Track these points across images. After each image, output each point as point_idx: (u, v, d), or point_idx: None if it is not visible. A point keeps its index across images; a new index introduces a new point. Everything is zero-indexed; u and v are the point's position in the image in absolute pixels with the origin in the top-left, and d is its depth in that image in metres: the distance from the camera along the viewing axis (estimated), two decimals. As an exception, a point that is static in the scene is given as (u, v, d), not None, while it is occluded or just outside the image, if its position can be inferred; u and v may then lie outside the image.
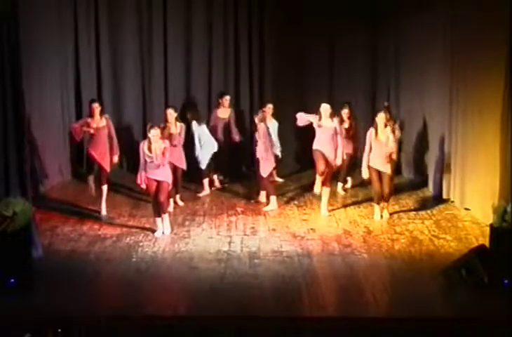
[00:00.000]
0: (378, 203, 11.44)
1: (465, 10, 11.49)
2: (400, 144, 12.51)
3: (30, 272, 8.88)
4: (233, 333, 7.92)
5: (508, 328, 7.81)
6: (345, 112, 12.84)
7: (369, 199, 12.32)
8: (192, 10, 14.56)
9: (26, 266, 8.85)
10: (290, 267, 9.46)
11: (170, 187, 10.98)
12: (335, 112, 11.82)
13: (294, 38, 14.62)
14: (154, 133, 10.54)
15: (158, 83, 14.75)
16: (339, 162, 11.58)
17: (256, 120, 12.24)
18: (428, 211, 11.85)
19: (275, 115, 13.39)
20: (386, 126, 11.24)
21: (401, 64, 14.30)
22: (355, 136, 12.99)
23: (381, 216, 11.43)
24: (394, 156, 11.39)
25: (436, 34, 12.57)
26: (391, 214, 11.58)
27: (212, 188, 13.13)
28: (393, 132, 11.38)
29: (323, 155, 11.42)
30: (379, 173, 11.28)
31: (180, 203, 12.22)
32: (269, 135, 12.13)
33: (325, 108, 11.47)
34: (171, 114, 12.07)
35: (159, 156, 10.50)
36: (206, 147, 12.69)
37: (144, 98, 14.82)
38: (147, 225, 11.14)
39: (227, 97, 13.66)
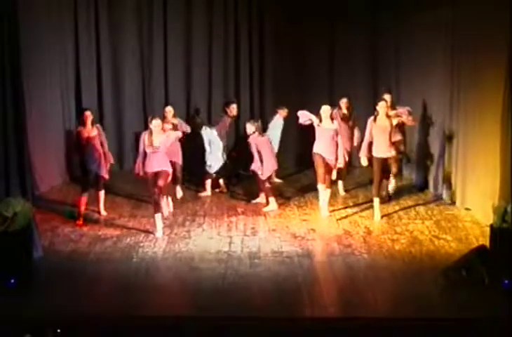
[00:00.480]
0: (377, 196, 11.35)
1: (466, 10, 11.49)
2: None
3: (30, 272, 8.89)
4: (233, 333, 7.91)
5: (508, 328, 7.82)
6: (343, 102, 12.87)
7: (369, 200, 12.35)
8: (192, 10, 14.60)
9: (26, 266, 8.86)
10: (290, 268, 9.46)
11: (170, 177, 10.87)
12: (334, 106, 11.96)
13: (294, 39, 14.64)
14: (156, 124, 10.52)
15: (159, 83, 14.77)
16: (341, 164, 11.57)
17: (253, 129, 12.00)
18: (429, 211, 11.85)
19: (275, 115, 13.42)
20: (388, 115, 11.19)
21: (401, 65, 14.31)
22: (354, 126, 12.94)
23: (381, 216, 11.42)
24: (401, 148, 11.51)
25: (437, 34, 12.57)
26: (390, 214, 11.59)
27: (217, 190, 13.08)
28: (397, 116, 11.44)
29: (323, 159, 11.35)
30: (383, 162, 11.23)
31: (179, 193, 12.27)
32: (270, 143, 12.15)
33: (326, 109, 11.40)
34: (170, 111, 12.18)
35: (161, 146, 10.47)
36: (217, 152, 12.68)
37: (144, 98, 14.83)
38: (148, 226, 11.13)
39: (234, 106, 13.40)
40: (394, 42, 14.49)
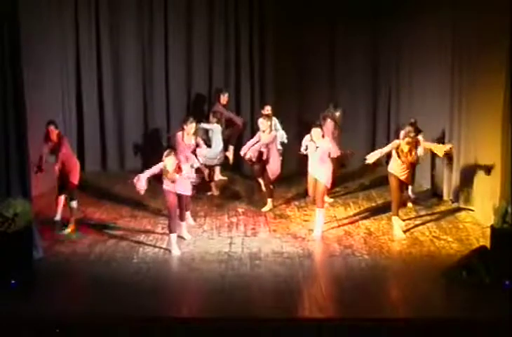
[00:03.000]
0: (397, 215, 10.89)
1: (466, 10, 11.49)
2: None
3: (31, 272, 8.88)
4: (233, 334, 7.91)
5: (508, 329, 7.81)
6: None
7: (369, 200, 12.37)
8: (193, 11, 14.57)
9: (27, 267, 8.85)
10: (290, 268, 9.46)
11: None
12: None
13: (294, 39, 14.63)
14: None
15: (159, 83, 14.76)
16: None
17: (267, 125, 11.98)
18: (429, 212, 11.84)
19: (276, 115, 13.37)
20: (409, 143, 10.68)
21: (402, 65, 14.32)
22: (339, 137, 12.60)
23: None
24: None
25: (437, 33, 12.58)
26: (390, 215, 11.55)
27: (208, 193, 12.92)
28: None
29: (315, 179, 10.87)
30: (400, 181, 10.75)
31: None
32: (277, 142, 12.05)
33: (316, 132, 10.71)
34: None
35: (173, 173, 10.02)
36: (216, 149, 12.71)
37: (144, 98, 14.81)
38: (148, 226, 11.14)
39: (226, 94, 13.79)
40: (394, 42, 14.48)
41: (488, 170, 10.89)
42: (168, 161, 9.86)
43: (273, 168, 11.92)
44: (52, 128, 11.15)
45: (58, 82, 13.62)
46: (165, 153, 9.94)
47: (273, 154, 11.91)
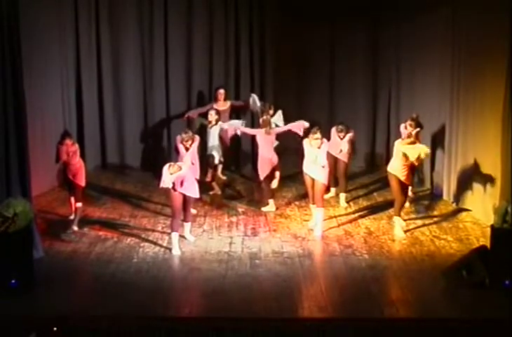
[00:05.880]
0: (399, 215, 10.88)
1: (466, 9, 11.50)
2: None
3: (31, 272, 8.89)
4: (233, 334, 7.91)
5: (508, 329, 7.82)
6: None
7: (369, 200, 12.37)
8: (193, 11, 14.56)
9: (27, 267, 8.86)
10: (290, 268, 9.47)
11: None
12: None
13: (294, 39, 14.62)
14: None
15: (159, 83, 14.74)
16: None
17: (260, 121, 12.15)
18: (429, 212, 11.84)
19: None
20: (408, 136, 10.88)
21: (402, 64, 14.30)
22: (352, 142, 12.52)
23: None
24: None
25: (437, 33, 12.58)
26: (390, 215, 11.55)
27: (210, 192, 12.80)
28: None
29: (310, 178, 10.89)
30: (400, 181, 10.65)
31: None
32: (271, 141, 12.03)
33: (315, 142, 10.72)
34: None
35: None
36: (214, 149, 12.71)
37: (145, 98, 14.80)
38: (148, 226, 11.14)
39: (221, 91, 13.85)
40: (394, 42, 14.47)
41: (488, 170, 10.89)
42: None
43: (260, 167, 11.87)
44: (68, 141, 11.20)
45: (58, 82, 13.60)
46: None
47: (260, 153, 11.88)
